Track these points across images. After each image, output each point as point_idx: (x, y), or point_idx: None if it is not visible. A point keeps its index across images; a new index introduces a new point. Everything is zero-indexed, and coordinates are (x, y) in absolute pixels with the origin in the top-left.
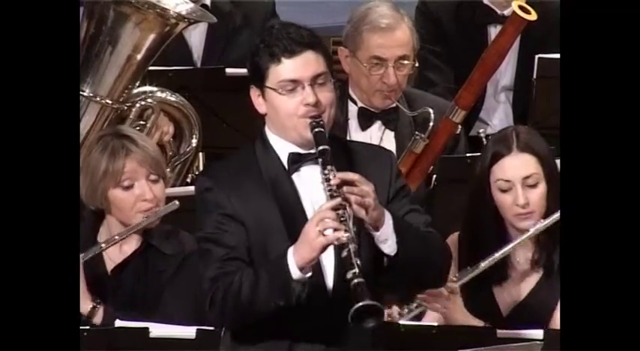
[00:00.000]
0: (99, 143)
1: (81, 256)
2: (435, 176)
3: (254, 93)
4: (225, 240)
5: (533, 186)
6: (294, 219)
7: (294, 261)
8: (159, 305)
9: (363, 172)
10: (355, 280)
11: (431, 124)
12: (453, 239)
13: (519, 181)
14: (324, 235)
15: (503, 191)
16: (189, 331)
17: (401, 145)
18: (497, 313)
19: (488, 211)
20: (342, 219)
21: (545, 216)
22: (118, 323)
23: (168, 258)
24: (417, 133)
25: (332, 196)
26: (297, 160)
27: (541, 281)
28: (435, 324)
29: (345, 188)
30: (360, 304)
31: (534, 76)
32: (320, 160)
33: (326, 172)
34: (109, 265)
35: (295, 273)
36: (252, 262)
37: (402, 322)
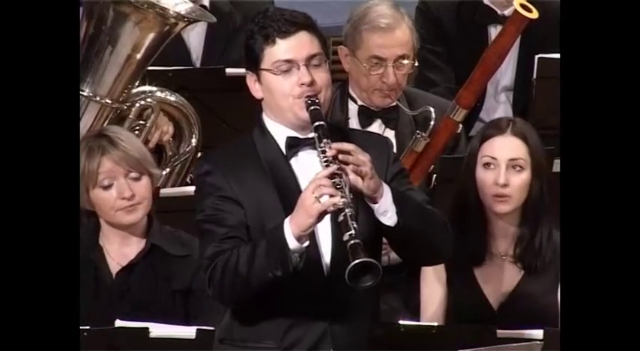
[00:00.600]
0: (82, 144)
1: None
2: (435, 176)
3: (250, 79)
4: (224, 220)
5: (518, 171)
6: (292, 203)
7: (291, 230)
8: (170, 309)
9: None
10: (352, 241)
11: (432, 122)
12: None
13: (505, 161)
14: (320, 201)
15: (487, 168)
16: (189, 331)
17: (401, 144)
18: (486, 303)
19: (470, 192)
20: (338, 186)
21: (524, 206)
22: (118, 323)
23: (174, 260)
24: (417, 131)
25: (328, 166)
26: (295, 145)
27: (524, 277)
28: (435, 324)
29: (340, 156)
30: (357, 261)
31: (534, 76)
32: (316, 134)
33: (322, 145)
34: (114, 269)
35: (292, 242)
36: (250, 241)
37: (402, 322)
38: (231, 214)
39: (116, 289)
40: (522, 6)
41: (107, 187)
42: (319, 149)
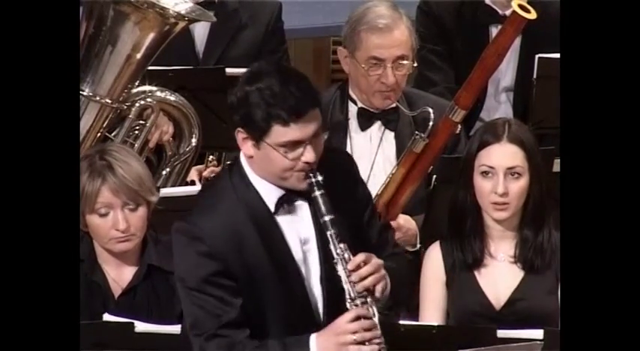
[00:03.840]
0: (84, 162)
1: None
2: (435, 176)
3: (241, 136)
4: (214, 303)
5: (516, 178)
6: (283, 264)
7: None
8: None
9: (330, 180)
10: None
11: (431, 123)
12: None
13: (503, 170)
14: (356, 342)
15: (485, 177)
16: (174, 327)
17: (401, 146)
18: (488, 304)
19: (467, 196)
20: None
21: (524, 209)
22: (106, 317)
23: (171, 277)
24: (416, 132)
25: (350, 282)
26: (283, 201)
27: (525, 277)
28: (435, 324)
29: (368, 281)
30: None
31: (534, 76)
32: (330, 232)
33: (339, 251)
34: (116, 291)
35: None
36: (247, 318)
37: (402, 322)
38: (228, 297)
39: (121, 315)
40: (520, 6)
41: (103, 215)
42: (337, 256)
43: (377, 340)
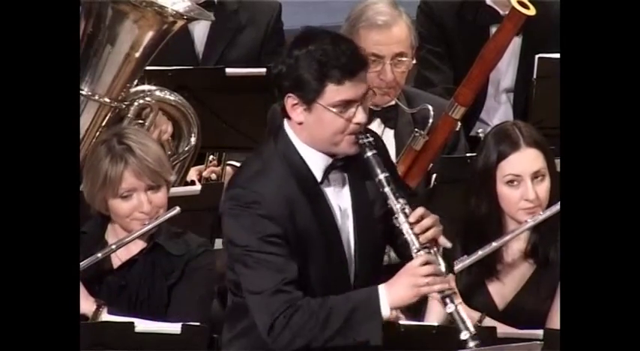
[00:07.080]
0: (102, 147)
1: (98, 255)
2: (434, 176)
3: (291, 102)
4: (276, 260)
5: (541, 180)
6: (328, 233)
7: (387, 300)
8: (164, 306)
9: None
10: (472, 344)
11: (430, 120)
12: None
13: (529, 175)
14: (428, 284)
15: (512, 185)
16: (174, 327)
17: (400, 144)
18: (494, 307)
19: (491, 206)
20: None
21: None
22: (105, 317)
23: (174, 259)
24: (416, 129)
25: (415, 234)
26: (329, 170)
27: (534, 273)
28: (435, 324)
29: (430, 232)
30: None
31: (534, 76)
32: (388, 189)
33: (399, 206)
34: (115, 263)
35: (386, 312)
36: (300, 281)
37: (402, 322)
38: (283, 254)
39: (115, 284)
40: (520, 3)
41: (126, 198)
42: (401, 212)
43: (448, 290)
